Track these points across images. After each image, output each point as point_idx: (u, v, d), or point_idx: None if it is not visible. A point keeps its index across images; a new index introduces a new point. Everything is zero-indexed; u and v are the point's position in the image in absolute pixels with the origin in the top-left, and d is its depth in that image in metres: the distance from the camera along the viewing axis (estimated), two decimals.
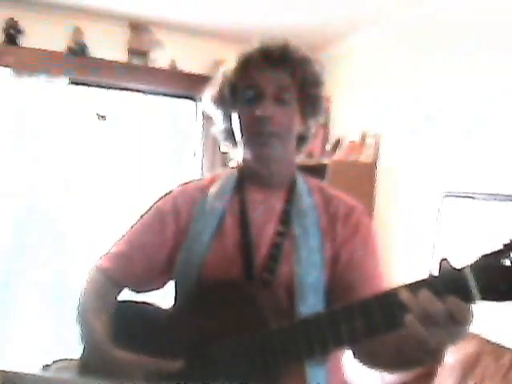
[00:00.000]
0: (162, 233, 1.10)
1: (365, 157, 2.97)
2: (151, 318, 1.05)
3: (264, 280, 1.00)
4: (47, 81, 3.04)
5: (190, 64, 3.35)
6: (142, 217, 1.15)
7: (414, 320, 0.72)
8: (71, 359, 1.32)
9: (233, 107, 1.08)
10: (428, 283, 0.74)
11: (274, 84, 1.03)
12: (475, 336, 2.04)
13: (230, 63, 1.08)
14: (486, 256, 0.72)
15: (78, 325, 1.01)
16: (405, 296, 0.74)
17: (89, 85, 3.27)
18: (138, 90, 3.39)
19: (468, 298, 0.71)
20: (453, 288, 0.71)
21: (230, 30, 3.21)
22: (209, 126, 3.40)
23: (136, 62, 3.25)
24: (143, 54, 3.26)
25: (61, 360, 1.40)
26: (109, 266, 1.10)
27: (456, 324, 0.71)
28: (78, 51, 3.08)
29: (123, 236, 1.14)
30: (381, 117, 2.94)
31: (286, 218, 1.06)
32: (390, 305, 0.76)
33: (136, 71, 3.25)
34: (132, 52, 3.24)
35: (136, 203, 3.56)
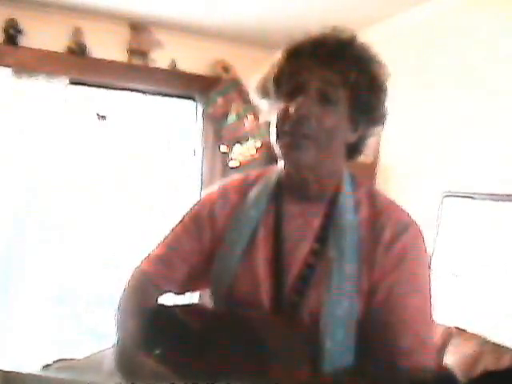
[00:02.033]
0: (199, 238, 1.05)
1: (365, 157, 2.96)
2: (178, 327, 0.96)
3: (292, 303, 0.92)
4: (47, 81, 3.04)
5: (190, 64, 3.35)
6: (182, 219, 1.11)
7: None
8: (71, 359, 1.32)
9: (275, 99, 0.96)
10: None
11: (319, 78, 0.89)
12: (475, 336, 2.04)
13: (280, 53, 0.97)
14: (490, 374, 0.63)
15: (115, 325, 0.96)
16: None
17: (89, 85, 3.27)
18: (138, 90, 3.39)
19: None
20: None
21: (229, 29, 3.21)
22: (209, 126, 3.41)
23: (136, 61, 3.25)
24: (143, 54, 3.26)
25: (61, 360, 1.40)
26: (149, 269, 1.06)
27: None
28: (78, 51, 3.08)
29: (164, 238, 1.10)
30: None
31: (322, 236, 0.94)
32: None
33: (136, 71, 3.25)
34: (132, 52, 3.24)
35: (136, 203, 3.57)
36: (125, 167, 3.58)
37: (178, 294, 1.11)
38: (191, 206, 1.12)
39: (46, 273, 3.15)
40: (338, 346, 0.87)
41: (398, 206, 0.98)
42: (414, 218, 0.96)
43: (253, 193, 1.03)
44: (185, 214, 1.11)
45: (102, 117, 3.38)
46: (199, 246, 1.05)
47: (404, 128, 2.78)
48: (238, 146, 3.29)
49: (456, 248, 2.33)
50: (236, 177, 1.12)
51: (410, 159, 2.72)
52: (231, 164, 3.30)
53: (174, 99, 3.51)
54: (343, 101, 0.91)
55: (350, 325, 0.88)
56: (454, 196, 2.36)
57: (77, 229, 3.46)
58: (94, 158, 3.49)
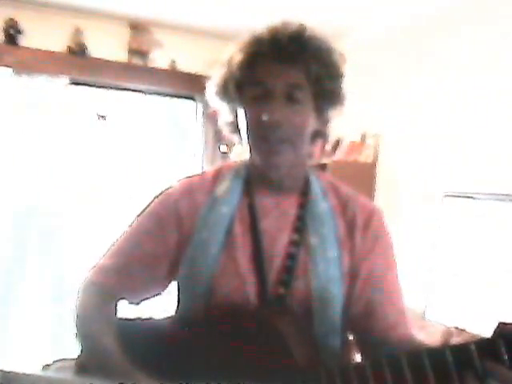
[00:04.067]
0: (163, 241, 0.98)
1: (365, 157, 2.97)
2: (157, 339, 0.95)
3: (279, 296, 0.92)
4: (47, 81, 3.04)
5: (190, 64, 3.35)
6: (138, 221, 1.02)
7: None
8: (71, 359, 1.31)
9: (239, 103, 0.97)
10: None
11: (284, 81, 0.91)
12: (475, 336, 2.04)
13: (236, 53, 0.97)
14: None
15: (85, 346, 0.91)
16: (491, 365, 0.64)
17: (89, 85, 3.27)
18: (138, 90, 3.39)
19: None
20: None
21: (229, 29, 3.21)
22: (209, 126, 3.41)
23: (136, 61, 3.26)
24: (143, 54, 3.26)
25: (61, 360, 1.40)
26: (105, 281, 0.98)
27: None
28: (78, 51, 3.08)
29: (116, 244, 1.02)
30: (381, 117, 2.94)
31: (300, 226, 0.96)
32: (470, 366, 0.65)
33: (136, 71, 3.25)
34: (132, 52, 3.24)
35: (136, 203, 3.56)
36: (125, 167, 3.58)
37: (133, 303, 1.03)
38: (146, 205, 1.04)
39: (46, 273, 3.15)
40: (329, 328, 0.91)
41: (358, 194, 1.03)
42: (375, 204, 1.03)
43: (221, 189, 1.00)
44: (139, 214, 1.03)
45: (102, 117, 3.38)
46: (163, 250, 0.98)
47: (404, 128, 2.78)
48: (238, 146, 3.29)
49: (456, 248, 2.33)
50: (192, 175, 1.08)
51: (410, 159, 2.72)
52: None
53: (174, 99, 3.51)
54: (308, 96, 0.94)
55: (338, 307, 0.93)
56: (454, 196, 2.36)
57: (77, 228, 3.46)
58: (93, 158, 3.49)
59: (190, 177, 1.07)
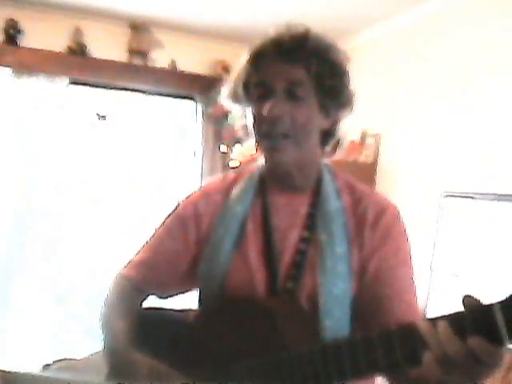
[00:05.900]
0: (184, 239, 1.06)
1: (365, 157, 2.97)
2: (174, 326, 1.02)
3: (288, 290, 0.96)
4: (47, 81, 3.04)
5: (190, 64, 3.35)
6: (164, 222, 1.11)
7: (432, 359, 0.65)
8: (71, 359, 1.32)
9: (247, 104, 1.01)
10: (451, 320, 0.65)
11: (284, 79, 0.94)
12: None
13: (245, 56, 1.01)
14: None
15: (102, 331, 0.97)
16: (425, 331, 0.66)
17: (89, 85, 3.27)
18: (138, 90, 3.39)
19: (495, 339, 0.61)
20: (478, 327, 0.62)
21: (230, 29, 3.21)
22: (209, 126, 3.41)
23: (136, 61, 3.25)
24: (143, 54, 3.26)
25: (61, 360, 1.40)
26: (132, 275, 1.08)
27: (480, 366, 0.63)
28: (78, 51, 3.08)
29: (146, 242, 1.11)
30: (381, 117, 2.94)
31: (310, 223, 1.00)
32: (411, 339, 0.68)
33: (136, 71, 3.25)
34: (132, 52, 3.24)
35: (135, 203, 3.57)
36: (125, 167, 3.58)
37: (161, 298, 1.12)
38: (171, 209, 1.12)
39: (46, 273, 3.15)
40: (336, 323, 0.93)
41: (374, 192, 1.07)
42: (391, 201, 1.06)
43: (236, 190, 1.06)
44: (165, 217, 1.12)
45: (102, 117, 3.38)
46: (184, 247, 1.06)
47: (404, 128, 2.78)
48: (238, 145, 3.29)
49: (456, 248, 2.33)
50: (214, 179, 1.15)
51: (410, 159, 2.72)
52: (231, 164, 3.30)
53: (174, 99, 3.51)
54: (311, 93, 0.96)
55: (345, 303, 0.94)
56: (454, 196, 2.36)
57: (77, 228, 3.46)
58: (93, 158, 3.49)
59: (212, 181, 1.15)
